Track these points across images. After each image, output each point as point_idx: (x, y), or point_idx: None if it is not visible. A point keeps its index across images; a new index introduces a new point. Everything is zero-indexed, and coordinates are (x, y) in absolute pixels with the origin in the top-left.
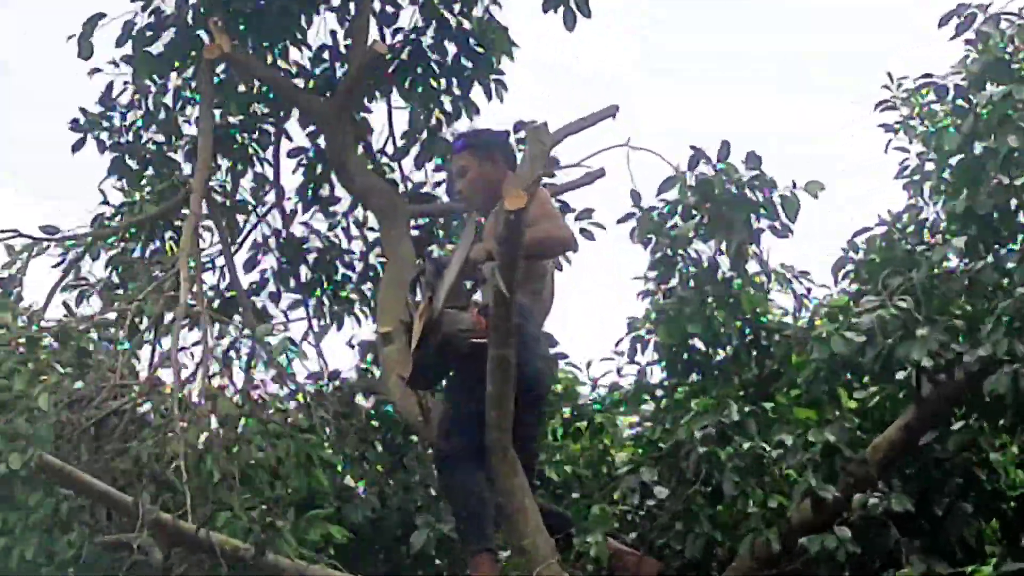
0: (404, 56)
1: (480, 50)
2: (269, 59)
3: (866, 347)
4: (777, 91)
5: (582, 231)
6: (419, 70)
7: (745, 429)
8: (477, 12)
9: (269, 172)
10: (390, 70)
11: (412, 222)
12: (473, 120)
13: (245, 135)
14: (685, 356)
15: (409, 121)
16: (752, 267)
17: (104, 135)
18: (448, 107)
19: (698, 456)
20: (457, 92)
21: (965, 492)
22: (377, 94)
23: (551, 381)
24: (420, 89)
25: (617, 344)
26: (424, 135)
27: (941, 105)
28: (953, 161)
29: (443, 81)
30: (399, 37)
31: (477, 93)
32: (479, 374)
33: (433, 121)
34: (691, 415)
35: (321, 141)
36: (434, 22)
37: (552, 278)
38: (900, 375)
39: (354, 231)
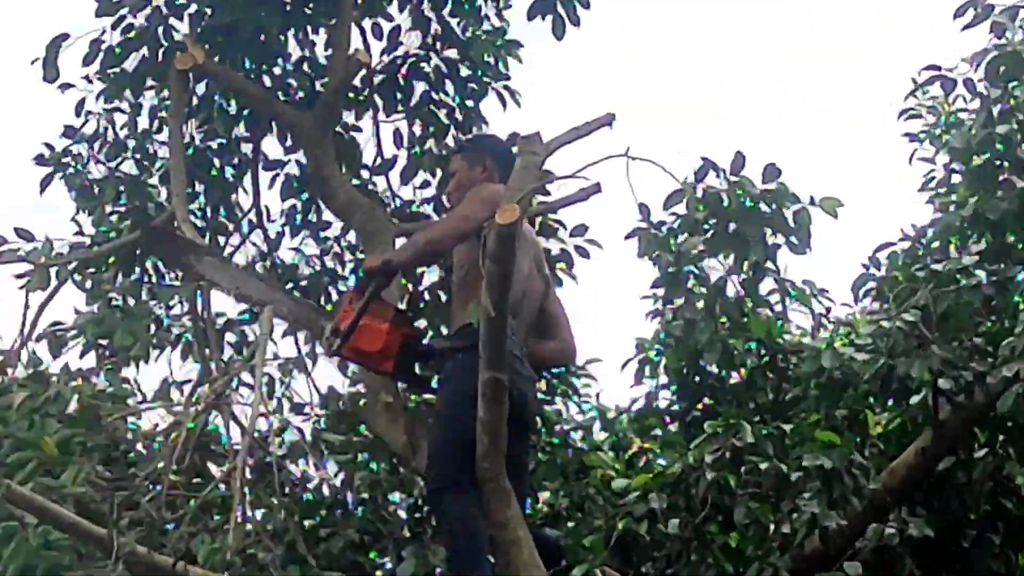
0: (400, 65)
1: (485, 57)
2: (246, 73)
3: (866, 364)
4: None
5: (577, 249)
6: (413, 80)
7: (762, 450)
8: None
9: (247, 199)
10: (378, 80)
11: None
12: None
13: (221, 160)
14: (696, 379)
15: (395, 134)
16: (768, 285)
17: (71, 170)
18: (445, 120)
19: (707, 482)
20: (458, 103)
21: (993, 521)
22: (366, 107)
23: (537, 404)
24: (413, 102)
25: (624, 366)
26: (412, 148)
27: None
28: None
29: (444, 92)
30: (390, 47)
31: (491, 103)
32: (466, 398)
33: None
34: (701, 438)
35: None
36: (432, 30)
37: (531, 285)
38: (916, 397)
39: (348, 256)
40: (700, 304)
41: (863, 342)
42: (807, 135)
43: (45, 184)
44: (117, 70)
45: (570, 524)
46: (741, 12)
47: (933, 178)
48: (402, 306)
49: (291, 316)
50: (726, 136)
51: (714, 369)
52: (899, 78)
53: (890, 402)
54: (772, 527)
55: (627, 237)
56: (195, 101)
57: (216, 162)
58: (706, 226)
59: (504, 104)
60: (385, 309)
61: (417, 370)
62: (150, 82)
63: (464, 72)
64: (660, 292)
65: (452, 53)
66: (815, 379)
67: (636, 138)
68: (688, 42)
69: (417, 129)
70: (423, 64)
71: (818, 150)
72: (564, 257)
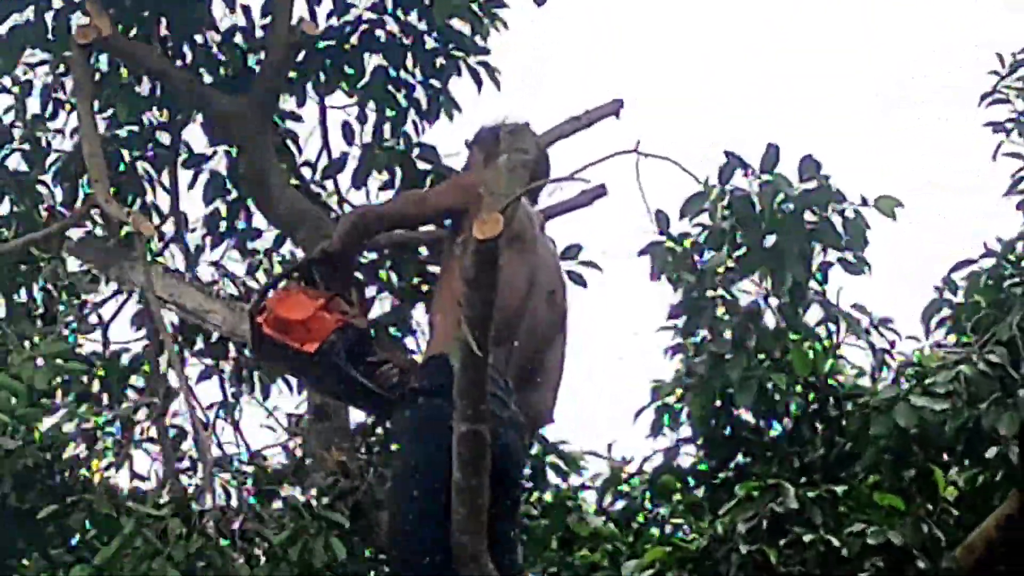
0: (352, 39)
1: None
2: (164, 47)
3: (946, 416)
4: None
5: (570, 275)
6: (364, 52)
7: (809, 518)
8: None
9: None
10: (328, 58)
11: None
12: (452, 120)
13: (131, 152)
14: (727, 431)
15: (343, 128)
16: (816, 312)
17: None
18: (404, 102)
19: (740, 558)
20: (421, 81)
21: None
22: (308, 89)
23: (524, 453)
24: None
25: (637, 416)
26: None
27: None
28: None
29: (404, 68)
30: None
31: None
32: (434, 456)
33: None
34: (732, 503)
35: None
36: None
37: (532, 310)
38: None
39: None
40: (728, 335)
41: (938, 389)
42: (793, 128)
43: None
44: None
45: None
46: (728, 4)
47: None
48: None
49: (225, 326)
50: (711, 128)
51: (749, 418)
52: (885, 71)
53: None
54: None
55: (640, 254)
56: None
57: (126, 154)
58: (736, 238)
59: (480, 84)
60: (323, 293)
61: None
62: (40, 55)
63: (429, 44)
64: (681, 322)
65: (413, 18)
66: (884, 439)
67: (622, 132)
68: (674, 34)
69: (370, 114)
70: (377, 31)
71: (804, 143)
72: None
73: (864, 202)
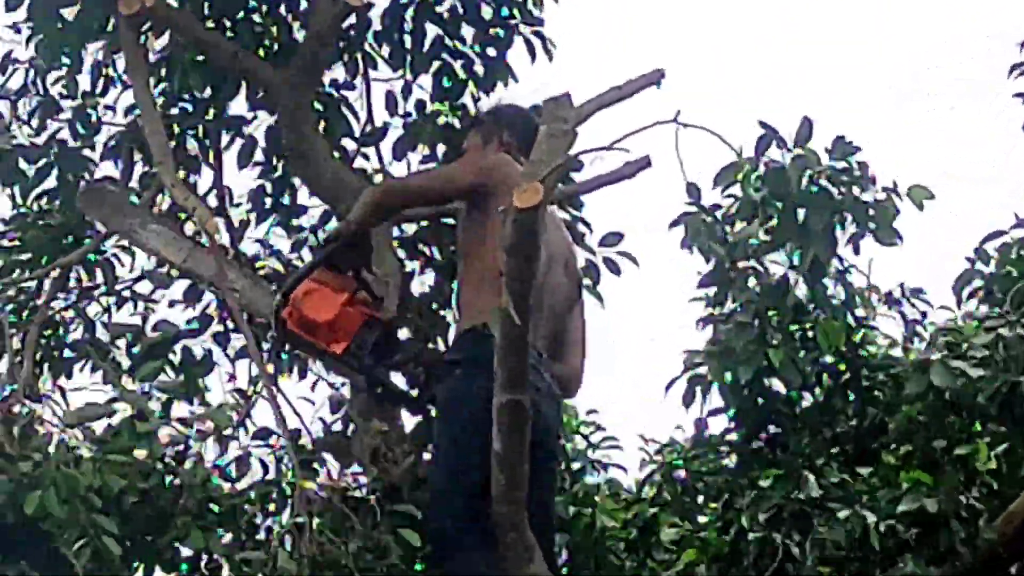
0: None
1: None
2: (206, 18)
3: (981, 381)
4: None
5: (606, 262)
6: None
7: (846, 494)
8: None
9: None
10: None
11: (396, 231)
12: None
13: (182, 127)
14: (759, 401)
15: (387, 97)
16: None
17: None
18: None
19: (758, 548)
20: (478, 52)
21: None
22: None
23: (560, 422)
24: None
25: (669, 387)
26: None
27: None
28: None
29: (460, 40)
30: None
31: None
32: (474, 427)
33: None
34: (751, 496)
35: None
36: None
37: (551, 281)
38: None
39: None
40: (754, 307)
41: (975, 353)
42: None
43: None
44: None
45: None
46: None
47: None
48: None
49: (243, 299)
50: (723, 120)
51: (781, 389)
52: (897, 63)
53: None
54: None
55: (672, 225)
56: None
57: (175, 128)
58: (768, 211)
59: (533, 55)
60: (347, 282)
61: (382, 376)
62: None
63: (486, 13)
64: (712, 293)
65: None
66: (919, 402)
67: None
68: (685, 26)
69: (426, 86)
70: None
71: (818, 135)
72: (587, 271)
73: (895, 187)
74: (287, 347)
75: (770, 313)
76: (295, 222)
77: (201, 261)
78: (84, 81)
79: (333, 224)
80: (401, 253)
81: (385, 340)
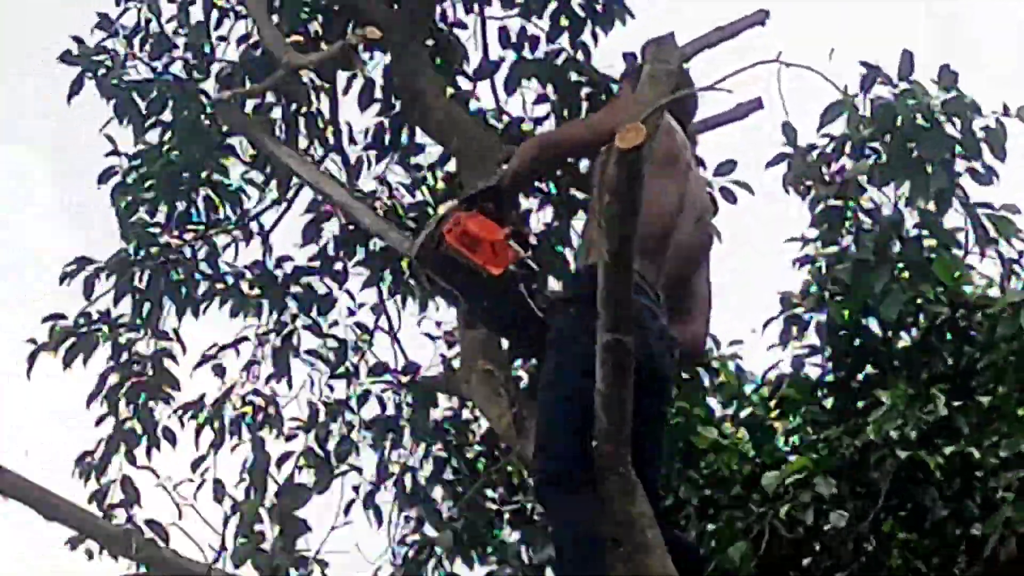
0: None
1: None
2: None
3: None
4: None
5: (722, 191)
6: None
7: (955, 429)
8: None
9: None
10: None
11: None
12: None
13: None
14: (857, 342)
15: (500, 33)
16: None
17: (103, 70)
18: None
19: (896, 464)
20: None
21: None
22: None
23: (672, 365)
24: None
25: (765, 326)
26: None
27: None
28: None
29: None
30: None
31: None
32: (581, 365)
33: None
34: (882, 411)
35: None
36: None
37: (681, 227)
38: None
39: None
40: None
41: None
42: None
43: (74, 89)
44: None
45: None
46: None
47: None
48: None
49: (373, 229)
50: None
51: (878, 330)
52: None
53: None
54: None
55: (769, 165)
56: None
57: None
58: (869, 148)
59: None
60: (502, 224)
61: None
62: None
63: None
64: (811, 234)
65: None
66: (1013, 342)
67: None
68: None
69: (543, 24)
70: None
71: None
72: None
73: (1006, 110)
74: (426, 267)
75: (890, 252)
76: (413, 160)
77: (330, 185)
78: (197, 12)
79: (452, 164)
80: None
81: (529, 285)
